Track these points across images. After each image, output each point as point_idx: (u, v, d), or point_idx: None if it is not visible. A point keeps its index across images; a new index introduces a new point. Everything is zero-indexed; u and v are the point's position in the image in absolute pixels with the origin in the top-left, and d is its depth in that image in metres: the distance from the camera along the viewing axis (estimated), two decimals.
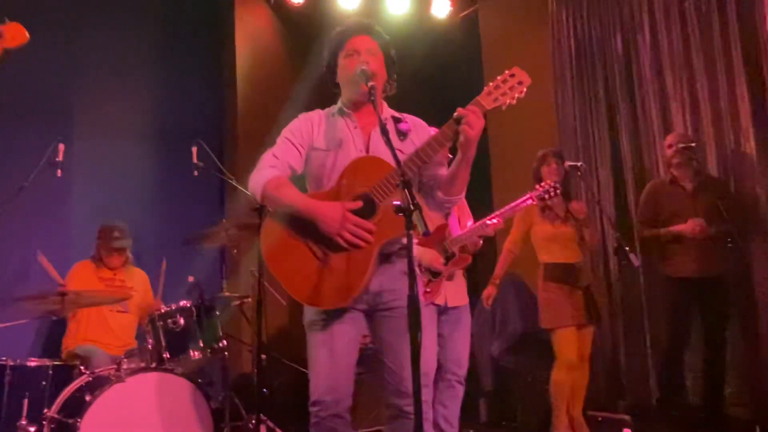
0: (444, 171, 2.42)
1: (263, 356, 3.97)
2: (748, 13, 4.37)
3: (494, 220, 3.46)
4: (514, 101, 2.29)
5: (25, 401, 3.22)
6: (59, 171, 4.01)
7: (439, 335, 3.34)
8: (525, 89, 2.28)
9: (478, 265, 3.82)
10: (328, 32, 2.56)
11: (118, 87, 5.34)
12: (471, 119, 2.21)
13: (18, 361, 3.35)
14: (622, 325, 5.05)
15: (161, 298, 4.25)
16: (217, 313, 3.90)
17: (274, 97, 5.70)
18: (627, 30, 5.19)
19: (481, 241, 3.53)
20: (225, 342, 3.83)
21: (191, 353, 3.69)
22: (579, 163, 4.49)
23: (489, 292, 4.26)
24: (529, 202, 3.65)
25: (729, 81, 4.46)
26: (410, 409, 2.22)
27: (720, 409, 4.22)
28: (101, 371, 3.38)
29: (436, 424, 3.34)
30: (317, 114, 2.52)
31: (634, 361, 4.95)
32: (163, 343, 3.63)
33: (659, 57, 4.93)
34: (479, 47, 6.31)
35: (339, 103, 2.53)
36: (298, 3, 5.98)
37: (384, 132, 2.15)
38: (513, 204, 3.61)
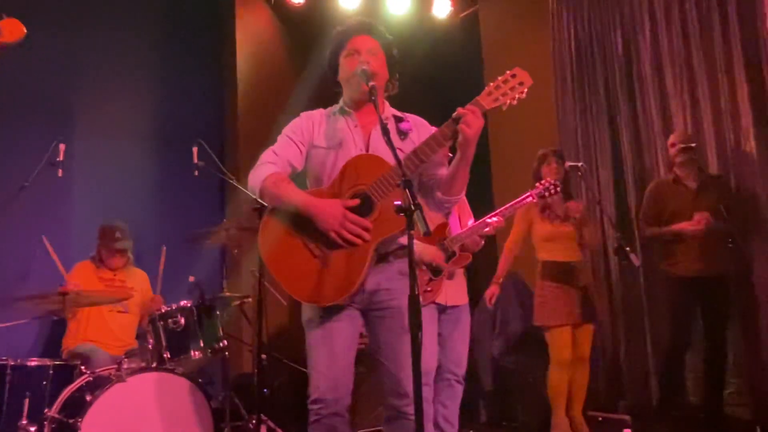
0: (444, 171, 2.42)
1: (264, 356, 3.97)
2: (748, 12, 4.38)
3: (495, 219, 3.46)
4: (515, 102, 2.28)
5: (26, 401, 3.21)
6: (60, 171, 4.01)
7: (439, 334, 3.34)
8: (526, 90, 2.27)
9: (479, 264, 3.81)
10: (329, 32, 2.57)
11: (118, 87, 5.34)
12: (469, 119, 2.21)
13: (18, 360, 3.34)
14: (622, 325, 5.04)
15: (161, 283, 4.24)
16: (218, 313, 3.90)
17: (274, 96, 5.70)
18: (627, 30, 5.19)
19: (483, 241, 3.53)
20: (225, 342, 3.83)
21: (192, 353, 3.69)
22: (579, 164, 4.50)
23: (492, 291, 4.26)
24: (530, 199, 3.66)
25: (729, 81, 4.46)
26: (408, 409, 2.23)
27: (720, 409, 4.22)
28: (102, 371, 3.38)
29: (436, 424, 3.35)
30: (319, 113, 2.54)
31: (635, 362, 4.95)
32: (164, 343, 3.63)
33: (660, 57, 4.93)
34: (480, 47, 6.31)
35: (340, 103, 2.53)
36: (299, 3, 5.98)
37: (384, 131, 2.16)
38: (513, 202, 3.62)
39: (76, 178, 4.86)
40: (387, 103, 2.53)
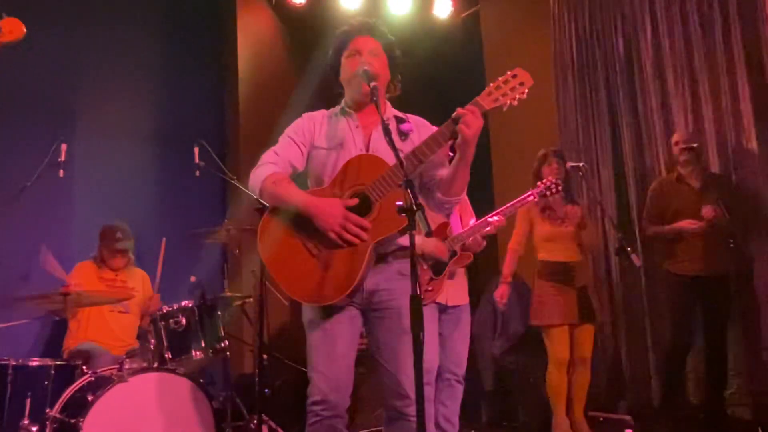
0: (445, 171, 2.42)
1: (265, 356, 3.98)
2: (749, 12, 4.38)
3: (496, 218, 3.46)
4: (515, 102, 2.27)
5: (28, 401, 3.21)
6: (61, 171, 4.02)
7: (439, 334, 3.35)
8: (526, 90, 2.26)
9: (480, 264, 3.82)
10: (330, 33, 2.57)
11: (120, 87, 5.34)
12: (468, 119, 2.20)
13: (20, 360, 3.34)
14: (623, 325, 5.04)
15: (159, 276, 4.25)
16: (219, 313, 3.91)
17: (275, 97, 5.70)
18: (628, 29, 5.19)
19: (485, 242, 3.53)
20: (227, 342, 3.84)
21: (193, 353, 3.70)
22: (581, 164, 4.50)
23: (502, 290, 4.24)
24: (531, 198, 3.66)
25: (731, 80, 4.46)
26: (409, 410, 2.23)
27: (721, 409, 4.22)
28: (103, 371, 3.39)
29: (436, 424, 3.35)
30: (320, 114, 2.54)
31: (636, 362, 4.95)
32: (165, 343, 3.63)
33: (661, 57, 4.93)
34: (481, 47, 6.31)
35: (342, 103, 2.54)
36: (300, 3, 5.98)
37: (386, 131, 2.16)
38: (515, 201, 3.62)
39: (77, 178, 4.86)
40: (389, 104, 2.53)
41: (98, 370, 3.39)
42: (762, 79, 4.31)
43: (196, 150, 4.54)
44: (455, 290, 3.46)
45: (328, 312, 2.33)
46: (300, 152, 2.46)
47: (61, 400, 3.23)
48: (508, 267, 4.31)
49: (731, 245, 4.07)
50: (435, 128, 2.42)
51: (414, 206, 1.93)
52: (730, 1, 4.47)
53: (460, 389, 3.47)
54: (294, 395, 4.51)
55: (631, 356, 4.98)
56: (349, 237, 2.24)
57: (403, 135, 2.44)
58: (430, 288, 3.28)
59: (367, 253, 2.24)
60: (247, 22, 5.97)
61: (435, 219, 3.28)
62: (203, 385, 3.49)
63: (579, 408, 4.27)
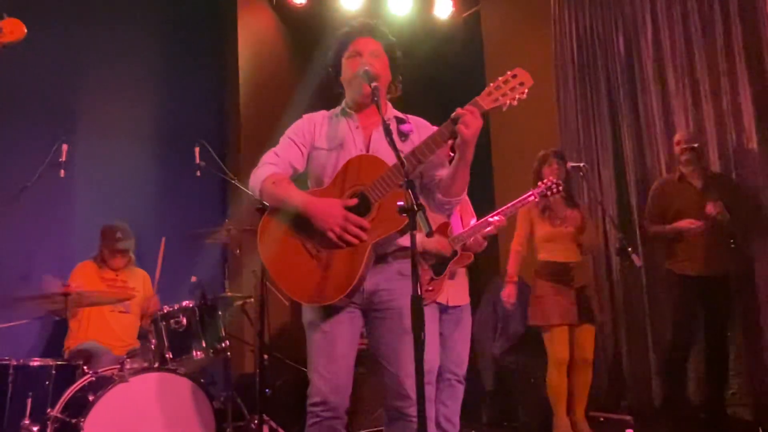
0: (445, 172, 2.42)
1: (266, 356, 3.98)
2: (750, 12, 4.38)
3: (496, 218, 3.46)
4: (515, 102, 2.27)
5: (29, 401, 3.21)
6: (62, 171, 4.02)
7: (440, 334, 3.35)
8: (526, 90, 2.26)
9: (480, 264, 3.82)
10: (331, 33, 2.57)
11: (120, 87, 5.34)
12: (467, 119, 2.20)
13: (21, 360, 3.34)
14: (624, 325, 5.04)
15: (159, 274, 4.25)
16: (220, 313, 3.91)
17: (276, 97, 5.71)
18: (629, 29, 5.19)
19: (486, 243, 3.52)
20: (227, 342, 3.84)
21: (194, 353, 3.70)
22: (581, 164, 4.51)
23: (509, 290, 4.24)
24: (532, 198, 3.66)
25: (731, 80, 4.46)
26: (410, 411, 2.23)
27: (722, 409, 4.22)
28: (104, 371, 3.39)
29: (437, 424, 3.35)
30: (321, 115, 2.55)
31: (636, 362, 4.95)
32: (166, 343, 3.64)
33: (661, 56, 4.94)
34: (481, 48, 6.31)
35: (342, 104, 2.54)
36: (301, 4, 5.98)
37: (387, 132, 2.16)
38: (516, 201, 3.62)
39: (78, 178, 4.87)
40: (389, 105, 2.53)
41: (99, 370, 3.39)
42: (762, 79, 4.30)
43: (197, 150, 4.55)
44: (456, 290, 3.46)
45: (328, 313, 2.33)
46: (300, 153, 2.47)
47: (62, 400, 3.23)
48: (512, 267, 4.30)
49: (732, 245, 4.07)
50: (435, 129, 2.42)
51: (415, 206, 1.93)
52: (731, 1, 4.47)
53: (461, 389, 3.47)
54: (295, 395, 4.51)
55: (632, 356, 4.99)
56: (347, 237, 2.24)
57: (403, 135, 2.43)
58: (430, 288, 3.28)
59: (366, 253, 2.24)
60: (247, 22, 5.97)
61: (436, 219, 3.28)
62: (204, 385, 3.49)
63: (580, 408, 4.27)
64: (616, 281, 5.10)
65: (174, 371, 3.45)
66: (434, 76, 6.32)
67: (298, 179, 2.48)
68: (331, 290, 2.26)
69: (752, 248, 4.29)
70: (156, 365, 3.53)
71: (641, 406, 4.81)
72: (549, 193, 3.67)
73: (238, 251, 4.59)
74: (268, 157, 2.46)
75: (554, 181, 3.69)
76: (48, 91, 4.94)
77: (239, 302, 4.47)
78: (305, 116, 2.55)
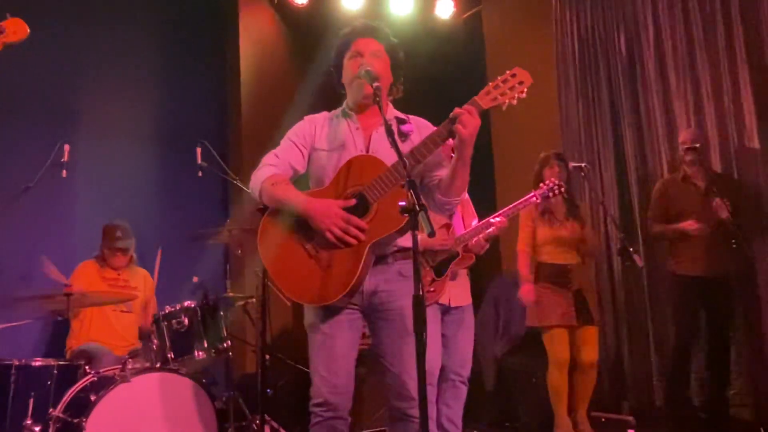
0: (445, 172, 2.41)
1: (267, 356, 3.98)
2: (751, 12, 4.37)
3: (498, 219, 3.46)
4: (515, 101, 2.26)
5: (31, 401, 3.21)
6: (64, 171, 4.02)
7: (443, 335, 3.34)
8: (525, 89, 2.25)
9: (482, 265, 3.81)
10: (332, 33, 2.57)
11: (122, 88, 5.34)
12: (465, 118, 2.19)
13: (23, 361, 3.35)
14: (625, 326, 5.04)
15: (155, 284, 4.24)
16: (221, 313, 3.90)
17: (277, 97, 5.71)
18: (630, 29, 5.19)
19: (488, 245, 3.52)
20: (229, 342, 3.84)
21: (196, 353, 3.70)
22: (583, 164, 4.50)
23: (528, 288, 4.23)
24: (534, 200, 3.66)
25: (733, 80, 4.46)
26: (413, 412, 2.23)
27: (724, 410, 4.22)
28: (106, 371, 3.39)
29: (439, 425, 3.35)
30: (322, 116, 2.55)
31: (638, 362, 4.95)
32: (168, 344, 3.64)
33: (663, 56, 4.93)
34: (483, 48, 6.31)
35: (343, 105, 2.54)
36: (302, 4, 5.98)
37: (389, 132, 2.15)
38: (517, 202, 3.62)
39: (80, 178, 4.86)
40: (390, 105, 2.53)
41: (101, 370, 3.39)
42: (764, 79, 4.30)
43: (198, 150, 4.55)
44: (458, 291, 3.46)
45: (328, 314, 2.33)
46: (301, 155, 2.47)
47: (64, 400, 3.24)
48: (524, 267, 4.29)
49: (734, 246, 4.07)
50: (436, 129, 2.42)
51: (417, 206, 1.93)
52: (732, 1, 4.47)
53: (464, 390, 3.46)
54: (296, 395, 4.52)
55: (634, 357, 4.99)
56: (345, 237, 2.24)
57: (404, 136, 2.43)
58: (431, 289, 3.28)
59: (364, 254, 2.24)
60: (249, 23, 5.97)
61: (437, 220, 3.28)
62: (206, 385, 3.49)
63: (582, 409, 4.27)
64: (617, 281, 5.10)
65: (176, 371, 3.45)
66: (435, 76, 6.31)
67: (300, 180, 2.48)
68: (331, 290, 2.26)
69: (754, 249, 4.28)
70: (158, 365, 3.53)
71: (643, 407, 4.81)
72: (551, 194, 3.68)
73: (239, 251, 4.58)
74: (269, 158, 2.47)
75: (556, 182, 3.68)
76: (48, 92, 4.94)
77: (241, 302, 4.47)
78: (306, 118, 2.55)
